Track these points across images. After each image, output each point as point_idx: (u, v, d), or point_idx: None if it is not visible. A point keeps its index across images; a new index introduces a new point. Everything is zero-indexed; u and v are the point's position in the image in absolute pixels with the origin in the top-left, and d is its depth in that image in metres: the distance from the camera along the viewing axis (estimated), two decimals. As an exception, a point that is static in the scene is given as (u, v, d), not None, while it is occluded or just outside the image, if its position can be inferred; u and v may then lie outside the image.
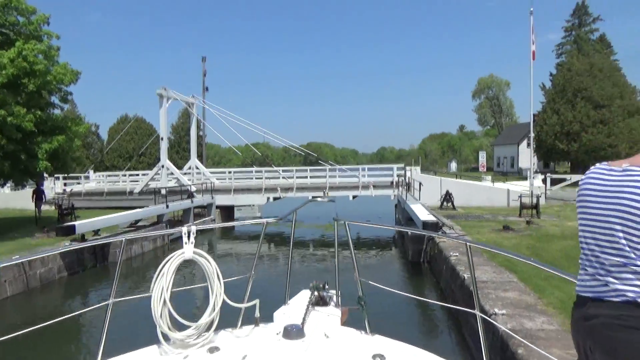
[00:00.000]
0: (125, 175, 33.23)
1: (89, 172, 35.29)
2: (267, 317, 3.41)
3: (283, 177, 29.84)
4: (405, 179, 26.14)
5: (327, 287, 3.67)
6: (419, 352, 2.98)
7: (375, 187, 28.15)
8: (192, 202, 23.92)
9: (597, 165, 1.66)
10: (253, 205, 30.56)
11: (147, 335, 3.14)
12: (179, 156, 50.86)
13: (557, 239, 13.57)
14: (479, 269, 9.82)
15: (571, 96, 39.57)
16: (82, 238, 15.89)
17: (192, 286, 3.78)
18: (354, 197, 27.99)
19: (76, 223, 16.02)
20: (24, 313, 11.57)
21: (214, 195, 27.08)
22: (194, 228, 3.13)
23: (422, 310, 10.50)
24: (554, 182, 27.66)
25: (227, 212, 28.80)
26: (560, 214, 19.69)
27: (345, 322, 3.45)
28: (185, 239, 3.08)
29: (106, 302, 3.07)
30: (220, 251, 20.59)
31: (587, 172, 1.68)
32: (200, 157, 36.26)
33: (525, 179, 30.41)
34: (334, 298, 3.64)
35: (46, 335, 8.29)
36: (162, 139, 29.13)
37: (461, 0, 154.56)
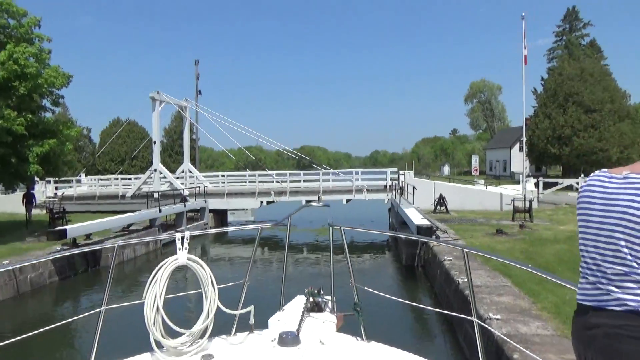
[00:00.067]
0: (117, 179, 33.03)
1: (80, 176, 35.02)
2: (262, 324, 3.37)
3: (276, 181, 29.78)
4: (398, 182, 26.17)
5: (322, 292, 3.64)
6: (415, 359, 2.96)
7: (368, 191, 28.16)
8: (185, 206, 23.79)
9: (597, 172, 1.64)
10: (246, 209, 30.45)
11: (140, 343, 3.09)
12: (172, 160, 50.67)
13: (550, 243, 13.63)
14: (473, 273, 9.78)
15: (562, 100, 39.94)
16: (74, 242, 15.73)
17: (185, 292, 3.73)
18: (347, 201, 27.98)
19: (67, 227, 15.86)
20: (14, 319, 11.41)
21: (207, 199, 26.97)
22: (187, 234, 3.09)
23: (418, 316, 10.48)
24: (546, 185, 27.83)
25: (220, 216, 28.68)
26: (553, 218, 19.79)
27: (341, 329, 3.42)
28: (179, 245, 3.04)
29: (98, 309, 3.02)
30: (214, 256, 20.47)
31: (588, 179, 1.66)
32: (193, 160, 36.13)
33: (518, 182, 30.57)
34: (329, 304, 3.61)
35: (37, 343, 8.17)
36: (154, 142, 28.99)
37: (453, 6, 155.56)
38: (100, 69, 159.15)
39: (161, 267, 2.99)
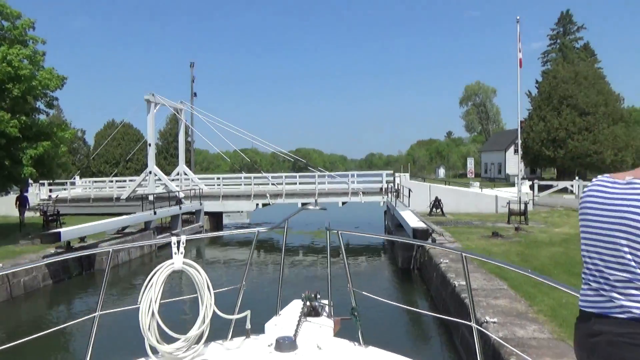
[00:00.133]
0: (112, 182, 32.86)
1: (74, 178, 34.83)
2: (259, 329, 3.34)
3: (272, 184, 29.74)
4: (394, 185, 26.19)
5: (319, 296, 3.61)
6: None
7: (364, 193, 28.16)
8: (180, 208, 23.69)
9: (600, 177, 1.62)
10: (242, 212, 30.37)
11: (135, 348, 3.06)
12: (167, 162, 50.49)
13: (545, 246, 13.66)
14: (469, 277, 9.81)
15: (557, 103, 40.14)
16: (68, 245, 15.62)
17: (181, 297, 3.70)
18: (343, 203, 27.97)
19: (61, 230, 15.74)
20: (8, 323, 11.29)
21: (202, 201, 26.88)
22: (183, 238, 3.06)
23: (414, 320, 10.44)
24: (541, 188, 27.92)
25: (216, 218, 28.60)
26: (548, 220, 19.85)
27: (338, 333, 3.39)
28: (174, 249, 3.01)
29: (93, 315, 2.98)
30: (210, 258, 20.39)
31: (590, 184, 1.64)
32: (188, 163, 36.01)
33: (513, 185, 30.66)
34: (326, 308, 3.58)
35: (30, 349, 8.08)
36: (149, 144, 28.86)
37: (447, 9, 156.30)
38: (95, 71, 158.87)
39: (156, 271, 2.95)
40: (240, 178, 31.86)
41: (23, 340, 2.86)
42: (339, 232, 3.68)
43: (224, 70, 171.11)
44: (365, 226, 27.06)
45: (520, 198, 20.43)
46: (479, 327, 2.99)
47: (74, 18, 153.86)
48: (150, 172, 28.36)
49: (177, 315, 8.60)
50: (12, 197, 22.20)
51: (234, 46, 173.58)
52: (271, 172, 48.34)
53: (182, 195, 26.47)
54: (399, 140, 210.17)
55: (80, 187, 33.91)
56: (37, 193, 30.14)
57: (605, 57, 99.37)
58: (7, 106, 16.20)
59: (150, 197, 24.11)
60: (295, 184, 30.28)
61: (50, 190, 31.11)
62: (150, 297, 2.88)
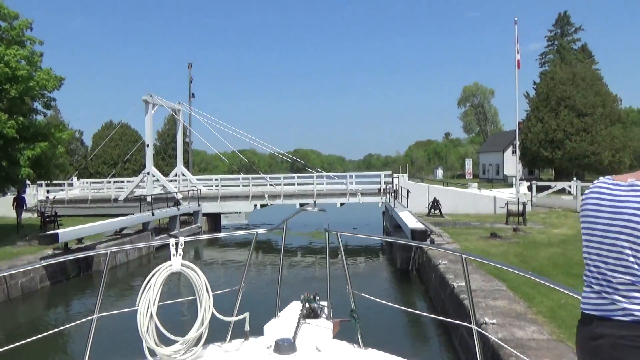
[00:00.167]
0: (109, 182, 32.81)
1: (72, 179, 34.74)
2: (257, 331, 3.33)
3: (270, 185, 29.71)
4: (392, 186, 26.18)
5: (317, 298, 3.60)
6: None
7: (363, 194, 28.16)
8: (178, 209, 23.65)
9: (601, 179, 1.60)
10: (240, 213, 30.33)
11: (133, 351, 3.04)
12: (165, 163, 50.43)
13: (544, 247, 13.67)
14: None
15: (555, 104, 40.21)
16: (65, 246, 15.57)
17: (179, 299, 3.67)
18: (341, 204, 27.97)
19: (59, 231, 15.68)
20: (5, 325, 11.23)
21: (200, 202, 26.84)
22: (182, 240, 3.04)
23: (413, 321, 10.42)
24: (539, 189, 27.94)
25: (214, 219, 28.55)
26: (546, 221, 19.87)
27: (337, 335, 3.38)
28: (173, 250, 2.99)
29: (90, 317, 2.96)
30: (208, 260, 20.35)
31: (591, 186, 1.62)
32: (186, 163, 35.97)
33: (511, 185, 30.67)
34: (325, 310, 3.57)
35: (27, 352, 8.03)
36: (147, 145, 28.82)
37: (446, 10, 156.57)
38: (93, 72, 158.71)
39: (155, 273, 2.93)
40: (239, 179, 31.83)
41: (20, 343, 2.85)
42: (338, 233, 3.66)
43: (222, 71, 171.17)
44: (364, 227, 27.07)
45: (518, 199, 20.44)
46: (479, 329, 2.98)
47: (72, 18, 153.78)
48: (148, 173, 28.31)
49: (176, 317, 8.58)
50: (9, 198, 22.13)
51: (232, 47, 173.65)
52: (269, 173, 48.33)
53: (180, 196, 26.42)
54: (397, 141, 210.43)
55: (78, 188, 33.83)
56: (35, 194, 30.05)
57: (602, 59, 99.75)
58: (4, 107, 16.14)
59: (148, 198, 24.07)
60: (294, 184, 30.25)
61: (48, 192, 31.02)
62: (149, 299, 2.86)
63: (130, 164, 48.89)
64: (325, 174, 32.64)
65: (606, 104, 39.81)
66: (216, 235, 19.96)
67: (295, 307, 3.59)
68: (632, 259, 1.41)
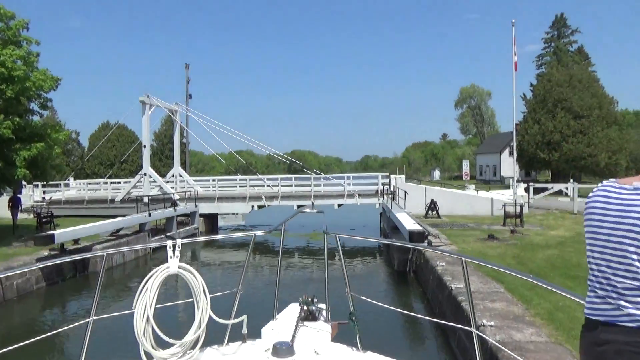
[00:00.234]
0: (106, 183, 32.70)
1: (69, 180, 34.61)
2: (255, 333, 3.30)
3: (268, 186, 29.67)
4: (390, 187, 26.18)
5: (316, 300, 3.58)
6: None
7: (360, 195, 28.15)
8: (175, 210, 23.58)
9: (605, 182, 1.58)
10: (237, 214, 30.26)
11: (130, 354, 3.01)
12: (162, 164, 50.31)
13: (541, 248, 13.67)
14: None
15: (551, 106, 40.33)
16: (62, 248, 15.48)
17: (177, 302, 3.65)
18: (339, 205, 27.96)
19: (55, 232, 15.61)
20: (0, 327, 11.16)
21: (197, 203, 26.77)
22: (179, 242, 3.02)
23: (412, 324, 10.38)
24: (536, 191, 27.99)
25: (211, 220, 28.48)
26: (544, 223, 19.89)
27: (336, 338, 3.36)
28: (170, 252, 2.97)
29: (86, 320, 2.93)
30: (205, 261, 20.29)
31: (595, 189, 1.60)
32: (183, 164, 35.89)
33: (508, 187, 30.72)
34: (324, 312, 3.55)
35: (23, 355, 7.97)
36: (144, 146, 28.74)
37: (444, 12, 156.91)
38: (90, 72, 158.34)
39: (152, 275, 2.91)
40: (236, 180, 31.75)
41: (15, 346, 2.81)
42: (337, 235, 3.64)
43: (220, 72, 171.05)
44: (361, 228, 27.05)
45: (515, 201, 20.46)
46: (480, 333, 2.96)
47: (68, 18, 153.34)
48: (145, 174, 28.22)
49: (173, 320, 8.52)
50: (4, 198, 22.03)
51: (230, 48, 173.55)
52: (266, 174, 48.23)
53: (177, 197, 26.36)
54: (394, 142, 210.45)
55: (75, 188, 33.71)
56: (31, 195, 29.93)
57: (598, 61, 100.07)
58: (0, 107, 16.06)
59: (145, 199, 23.99)
60: (291, 186, 30.23)
61: (44, 192, 30.89)
62: (145, 301, 2.84)
63: (127, 164, 48.76)
64: (322, 175, 32.63)
65: (603, 106, 39.95)
66: (214, 237, 19.84)
67: (293, 310, 3.57)
68: (637, 263, 1.39)
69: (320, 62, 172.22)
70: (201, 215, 26.96)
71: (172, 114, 32.76)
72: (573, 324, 6.82)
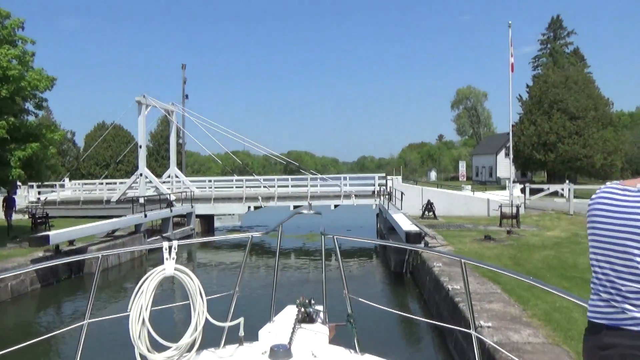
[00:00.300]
0: (102, 184, 32.56)
1: (64, 180, 34.44)
2: (252, 336, 3.27)
3: (264, 186, 29.62)
4: (386, 188, 26.18)
5: (313, 302, 3.55)
6: None
7: (356, 196, 28.15)
8: (171, 211, 23.49)
9: (608, 184, 1.56)
10: (233, 215, 30.19)
11: (125, 357, 2.98)
12: (158, 164, 50.16)
13: (537, 249, 13.69)
14: (461, 280, 9.77)
15: (547, 107, 40.48)
16: (56, 249, 15.39)
17: (172, 304, 3.61)
18: (335, 206, 27.94)
19: (50, 233, 15.51)
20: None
21: (193, 204, 26.69)
22: (175, 243, 2.99)
23: (410, 326, 10.35)
24: (533, 191, 28.07)
25: (207, 221, 28.39)
26: (540, 224, 19.94)
27: (333, 340, 3.33)
28: (166, 254, 2.93)
29: (81, 323, 2.89)
30: (201, 262, 20.21)
31: (598, 191, 1.58)
32: (179, 165, 35.79)
33: (504, 188, 30.78)
34: (321, 314, 3.52)
35: (15, 358, 7.90)
36: (140, 146, 28.65)
37: (440, 14, 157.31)
38: (85, 72, 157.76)
39: (147, 277, 2.88)
40: (232, 181, 31.68)
41: (8, 350, 2.77)
42: (335, 237, 3.62)
43: (216, 72, 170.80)
44: (357, 229, 27.02)
45: (512, 201, 20.50)
46: (479, 335, 2.94)
47: (64, 18, 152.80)
48: (141, 175, 28.14)
49: (169, 322, 8.44)
50: (-1, 199, 21.88)
51: (226, 48, 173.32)
52: (263, 174, 48.15)
53: (173, 197, 26.27)
54: (391, 143, 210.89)
55: (70, 189, 33.54)
56: (26, 195, 29.76)
57: (594, 62, 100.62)
58: (-5, 107, 15.97)
59: (141, 200, 23.89)
60: (288, 186, 30.19)
61: (39, 193, 30.74)
62: (141, 304, 2.81)
63: (122, 165, 48.56)
64: (319, 175, 32.61)
65: (598, 107, 40.13)
66: (210, 238, 19.72)
67: (290, 312, 3.54)
68: None
69: (319, 62, 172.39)
70: (197, 216, 26.89)
71: (169, 114, 32.66)
72: (570, 324, 6.82)
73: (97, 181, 34.12)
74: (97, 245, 17.47)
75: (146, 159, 29.48)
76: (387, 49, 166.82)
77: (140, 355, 2.76)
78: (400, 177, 30.67)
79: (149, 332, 2.77)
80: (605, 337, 1.45)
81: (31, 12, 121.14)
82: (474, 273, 10.36)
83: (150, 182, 28.83)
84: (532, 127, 40.78)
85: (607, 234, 1.47)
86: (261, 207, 28.29)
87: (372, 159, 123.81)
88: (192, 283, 2.96)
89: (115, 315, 3.22)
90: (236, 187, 30.28)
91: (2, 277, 6.15)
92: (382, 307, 3.89)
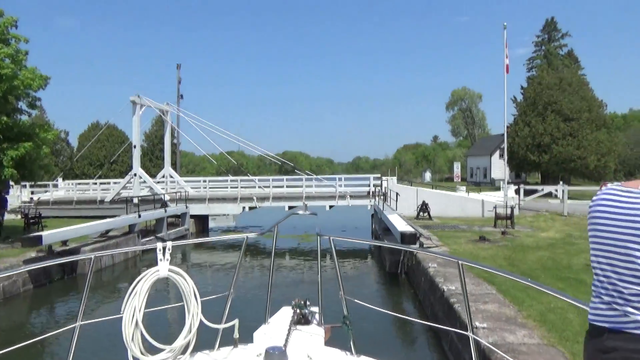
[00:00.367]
0: (95, 184, 32.40)
1: (57, 180, 34.25)
2: (247, 338, 3.24)
3: (259, 187, 29.56)
4: (381, 189, 26.19)
5: (308, 304, 3.53)
6: None
7: (351, 197, 28.15)
8: (165, 211, 23.38)
9: (610, 185, 1.54)
10: (228, 215, 30.13)
11: (117, 360, 2.93)
12: (152, 164, 49.94)
13: (532, 250, 13.73)
14: (456, 281, 9.78)
15: (542, 109, 40.66)
16: (49, 249, 15.27)
17: (166, 306, 3.57)
18: (330, 207, 27.93)
19: (43, 233, 15.39)
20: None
21: (188, 204, 26.58)
22: (169, 244, 2.95)
23: (406, 327, 10.33)
24: (527, 192, 28.18)
25: (201, 221, 28.31)
26: (534, 225, 20.00)
27: (329, 342, 3.31)
28: (160, 255, 2.90)
29: (73, 325, 2.84)
30: (195, 263, 20.12)
31: (599, 192, 1.55)
32: (174, 165, 35.68)
33: (498, 189, 30.86)
34: (317, 316, 3.50)
35: None
36: (134, 146, 28.54)
37: (435, 15, 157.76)
38: (80, 71, 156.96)
39: (141, 279, 2.84)
40: (227, 181, 31.60)
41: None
42: (331, 238, 3.60)
43: (211, 72, 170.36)
44: (352, 230, 27.03)
45: (506, 202, 20.55)
46: (476, 337, 2.92)
47: (58, 18, 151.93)
48: (135, 175, 28.02)
49: (162, 324, 8.36)
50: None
51: (221, 48, 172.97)
52: (258, 175, 48.09)
53: (167, 198, 26.17)
54: (386, 144, 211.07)
55: (63, 189, 33.35)
56: (19, 195, 29.55)
57: (587, 64, 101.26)
58: (-13, 106, 15.83)
59: (135, 200, 23.79)
60: (283, 187, 30.15)
61: (32, 193, 30.53)
62: (134, 305, 2.77)
63: (116, 165, 48.34)
64: (314, 176, 32.59)
65: (592, 109, 40.36)
66: (205, 239, 19.63)
67: (285, 313, 3.52)
68: None
69: (318, 62, 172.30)
70: (192, 217, 26.78)
71: (163, 114, 32.55)
72: (565, 325, 6.83)
73: (90, 181, 33.94)
74: (90, 245, 17.35)
75: (140, 159, 29.36)
76: (382, 49, 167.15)
77: (134, 357, 2.73)
78: (395, 178, 30.71)
79: (142, 335, 2.74)
80: (607, 340, 1.42)
81: (25, 10, 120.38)
82: (469, 274, 10.36)
83: (145, 182, 28.72)
84: (526, 128, 40.96)
85: (609, 236, 1.44)
86: (256, 207, 28.24)
87: (367, 159, 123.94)
88: (186, 284, 2.93)
89: (108, 317, 3.18)
90: (231, 187, 30.21)
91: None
92: (379, 309, 3.88)
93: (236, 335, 3.14)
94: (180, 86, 39.12)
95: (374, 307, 3.65)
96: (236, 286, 3.47)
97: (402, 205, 22.40)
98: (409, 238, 14.33)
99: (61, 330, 3.33)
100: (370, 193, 27.74)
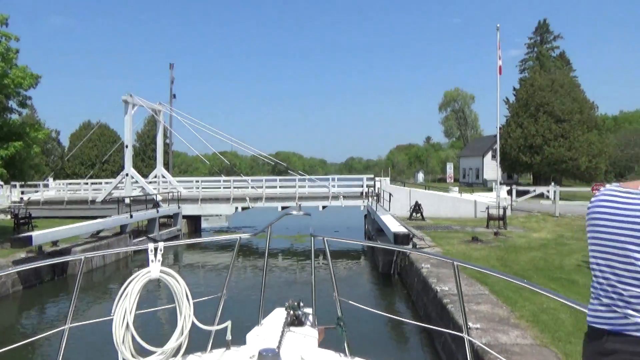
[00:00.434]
0: (87, 184, 32.13)
1: (48, 180, 33.95)
2: (240, 340, 3.21)
3: (252, 187, 29.48)
4: (375, 189, 26.21)
5: (302, 305, 3.50)
6: None
7: (345, 197, 28.15)
8: (157, 211, 23.24)
9: (609, 186, 1.52)
10: (220, 215, 30.02)
11: (108, 363, 2.88)
12: (144, 164, 49.69)
13: (524, 250, 13.78)
14: (449, 282, 9.80)
15: (534, 110, 40.94)
16: (39, 250, 15.11)
17: (158, 307, 3.52)
18: (323, 207, 27.91)
19: (33, 234, 15.22)
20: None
21: (180, 204, 26.45)
22: (161, 244, 2.91)
23: (398, 328, 10.33)
24: (519, 193, 28.32)
25: (194, 221, 28.19)
26: (526, 225, 20.10)
27: (322, 343, 3.28)
28: (151, 256, 2.85)
29: (62, 328, 2.80)
30: (187, 264, 20.01)
31: (598, 193, 1.53)
32: (166, 165, 35.49)
33: (491, 190, 30.99)
34: (310, 317, 3.47)
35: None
36: (126, 146, 28.36)
37: (428, 16, 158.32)
38: (71, 70, 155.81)
39: (132, 280, 2.80)
40: (220, 181, 31.49)
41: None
42: (325, 238, 3.57)
43: (204, 72, 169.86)
44: (345, 230, 27.03)
45: (499, 203, 20.63)
46: (471, 339, 2.90)
47: (49, 16, 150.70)
48: (127, 175, 27.84)
49: (154, 326, 8.28)
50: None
51: (214, 48, 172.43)
52: (251, 175, 47.99)
53: (159, 198, 26.02)
54: (379, 144, 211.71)
55: (54, 189, 33.06)
56: (8, 195, 29.25)
57: (579, 66, 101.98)
58: (-23, 105, 15.68)
59: (127, 200, 23.63)
60: (276, 187, 30.09)
61: (22, 192, 30.25)
62: (125, 307, 2.73)
63: (108, 165, 48.04)
64: (307, 176, 32.56)
65: (583, 111, 40.69)
66: (198, 240, 19.55)
67: (278, 315, 3.49)
68: None
69: (307, 64, 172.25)
70: (184, 217, 26.66)
71: (156, 114, 32.37)
72: (558, 326, 6.85)
73: (82, 181, 33.66)
74: (81, 246, 17.20)
75: (132, 158, 29.18)
76: (375, 51, 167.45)
77: None
78: (388, 179, 30.73)
79: (133, 337, 2.70)
80: (607, 342, 1.41)
81: (16, 8, 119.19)
82: (462, 274, 10.37)
83: (137, 182, 28.54)
84: (518, 129, 41.22)
85: (608, 237, 1.43)
86: (249, 207, 28.16)
87: (359, 160, 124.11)
88: (178, 285, 2.89)
89: (98, 320, 3.13)
90: (224, 187, 30.11)
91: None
92: (373, 310, 3.86)
93: (229, 337, 3.11)
94: (173, 86, 38.93)
95: (368, 309, 3.63)
96: (229, 287, 3.44)
97: (394, 205, 22.42)
98: (402, 238, 14.33)
99: (51, 332, 3.28)
100: (363, 194, 27.75)
